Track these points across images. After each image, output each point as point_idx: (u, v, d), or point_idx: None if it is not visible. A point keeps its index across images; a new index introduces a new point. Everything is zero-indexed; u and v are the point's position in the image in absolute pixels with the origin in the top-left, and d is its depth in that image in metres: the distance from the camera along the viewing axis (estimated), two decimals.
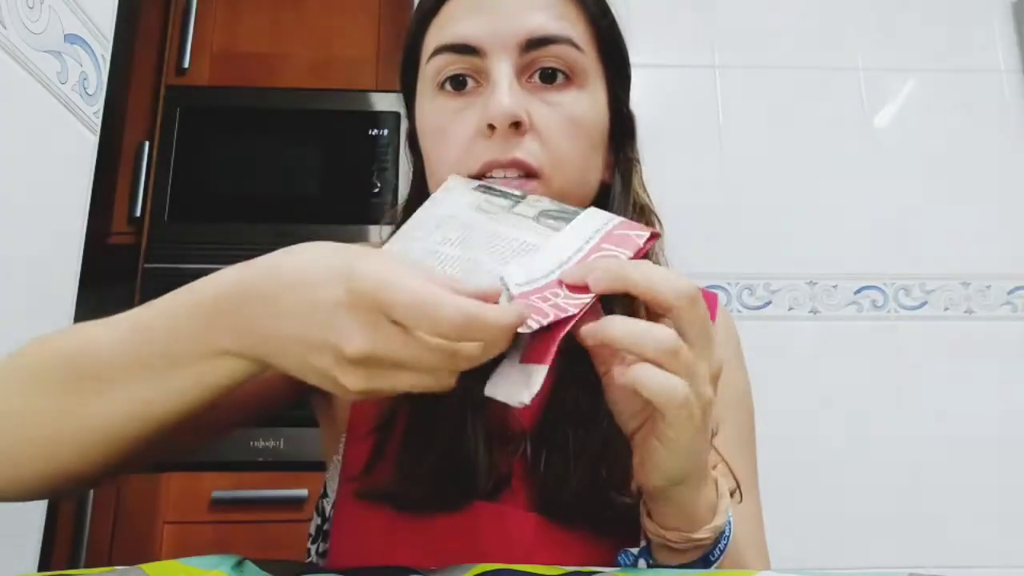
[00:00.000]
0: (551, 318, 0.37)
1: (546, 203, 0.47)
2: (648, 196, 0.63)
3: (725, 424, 0.59)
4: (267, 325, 0.37)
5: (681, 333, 0.38)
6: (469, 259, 0.41)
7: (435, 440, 0.53)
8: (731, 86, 1.60)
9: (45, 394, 0.42)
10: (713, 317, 0.62)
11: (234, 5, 1.73)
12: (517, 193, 0.47)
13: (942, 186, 1.56)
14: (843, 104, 1.60)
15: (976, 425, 1.43)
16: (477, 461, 0.52)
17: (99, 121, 0.80)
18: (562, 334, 0.37)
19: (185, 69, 1.66)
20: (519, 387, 0.37)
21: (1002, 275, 1.51)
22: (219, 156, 1.63)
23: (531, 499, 0.54)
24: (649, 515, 0.45)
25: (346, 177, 1.63)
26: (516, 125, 0.51)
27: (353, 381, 0.35)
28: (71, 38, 0.75)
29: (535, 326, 0.36)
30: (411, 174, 0.65)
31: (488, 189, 0.48)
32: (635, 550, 0.47)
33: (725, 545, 0.44)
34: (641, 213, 0.61)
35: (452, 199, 0.48)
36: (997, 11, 1.66)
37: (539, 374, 0.37)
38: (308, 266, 0.37)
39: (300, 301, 0.36)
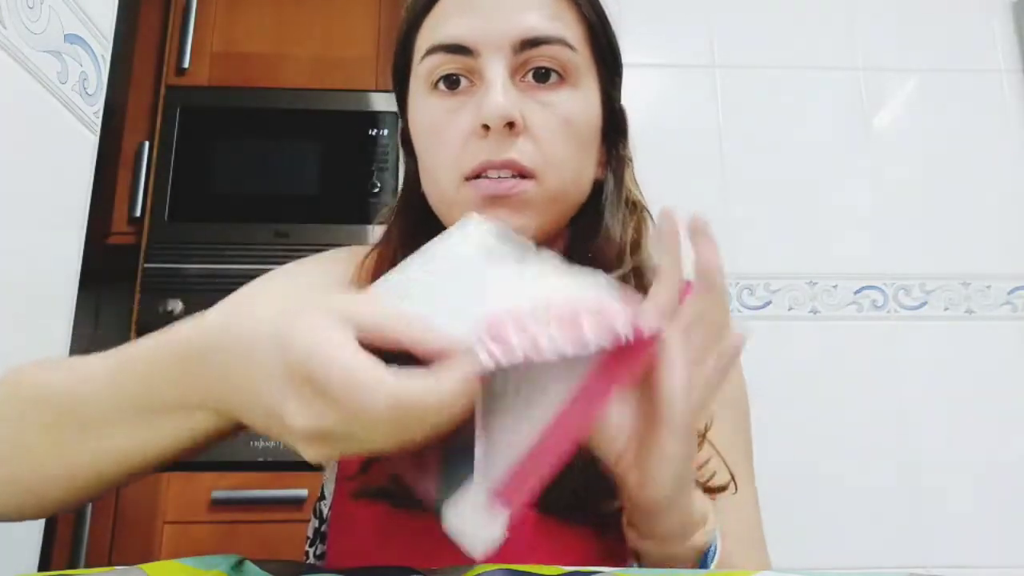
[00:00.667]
0: (516, 353, 0.33)
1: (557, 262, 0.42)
2: (640, 192, 0.63)
3: (721, 421, 0.59)
4: (226, 386, 0.36)
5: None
6: (459, 309, 0.36)
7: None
8: (731, 86, 1.60)
9: (32, 433, 0.42)
10: None
11: (234, 5, 1.73)
12: (524, 243, 0.42)
13: (942, 186, 1.56)
14: (843, 104, 1.60)
15: (976, 425, 1.43)
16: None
17: (99, 121, 0.80)
18: (534, 484, 0.34)
19: (185, 69, 1.66)
20: (476, 529, 0.34)
21: (1002, 275, 1.51)
22: (219, 156, 1.63)
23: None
24: (642, 534, 0.44)
25: (346, 177, 1.63)
26: (510, 125, 0.51)
27: (311, 453, 0.34)
28: (71, 38, 0.75)
29: (488, 360, 0.32)
30: (403, 173, 0.65)
31: (505, 239, 0.42)
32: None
33: (715, 550, 0.44)
34: (633, 209, 0.62)
35: (453, 238, 0.42)
36: (997, 11, 1.66)
37: (498, 523, 0.33)
38: (253, 334, 0.35)
39: (248, 371, 0.35)
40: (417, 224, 0.60)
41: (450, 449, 0.36)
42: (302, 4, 1.74)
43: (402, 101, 0.61)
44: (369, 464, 0.55)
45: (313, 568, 0.52)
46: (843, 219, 1.53)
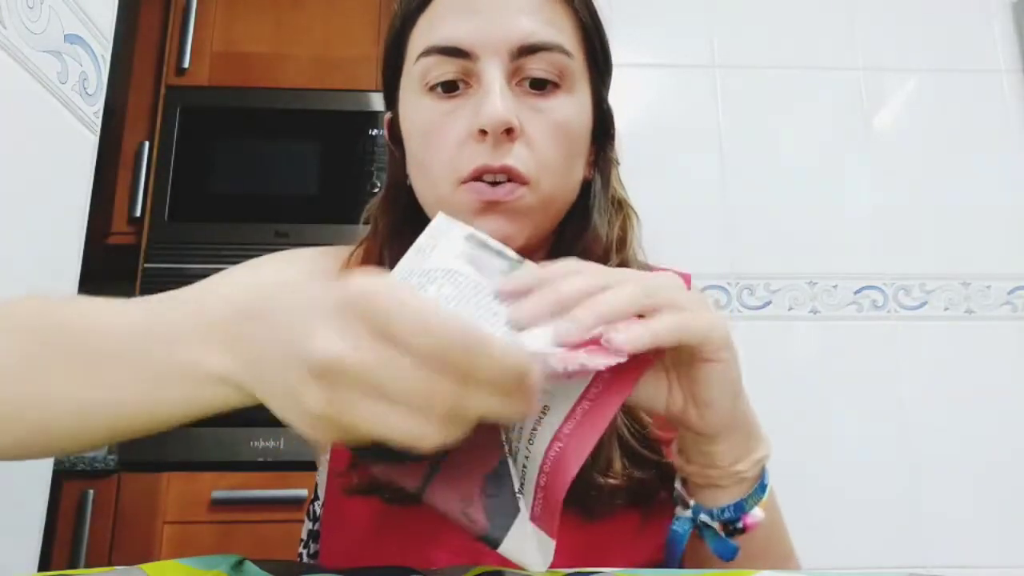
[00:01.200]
0: (584, 362, 0.34)
1: None
2: (624, 191, 0.64)
3: None
4: (256, 344, 0.34)
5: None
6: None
7: None
8: (731, 86, 1.60)
9: (45, 371, 0.40)
10: None
11: (234, 5, 1.73)
12: (514, 257, 0.41)
13: (942, 186, 1.56)
14: (843, 104, 1.60)
15: (976, 425, 1.43)
16: None
17: (99, 121, 0.80)
18: (562, 495, 0.35)
19: (185, 69, 1.66)
20: (533, 553, 0.35)
21: (1002, 275, 1.51)
22: (219, 156, 1.63)
23: None
24: (710, 463, 0.45)
25: (346, 177, 1.64)
26: (508, 131, 0.52)
27: (312, 399, 0.29)
28: (71, 38, 0.75)
29: (561, 367, 0.33)
30: (389, 164, 0.65)
31: (482, 245, 0.41)
32: (687, 513, 0.48)
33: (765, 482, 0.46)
34: (619, 207, 0.62)
35: (441, 250, 0.41)
36: (997, 11, 1.66)
37: (549, 546, 0.35)
38: (309, 287, 0.33)
39: (290, 311, 0.32)
40: (404, 217, 0.60)
41: (487, 478, 0.36)
42: (302, 4, 1.74)
43: (391, 93, 0.61)
44: (357, 461, 0.55)
45: (313, 568, 0.52)
46: (843, 219, 1.53)
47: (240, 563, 0.42)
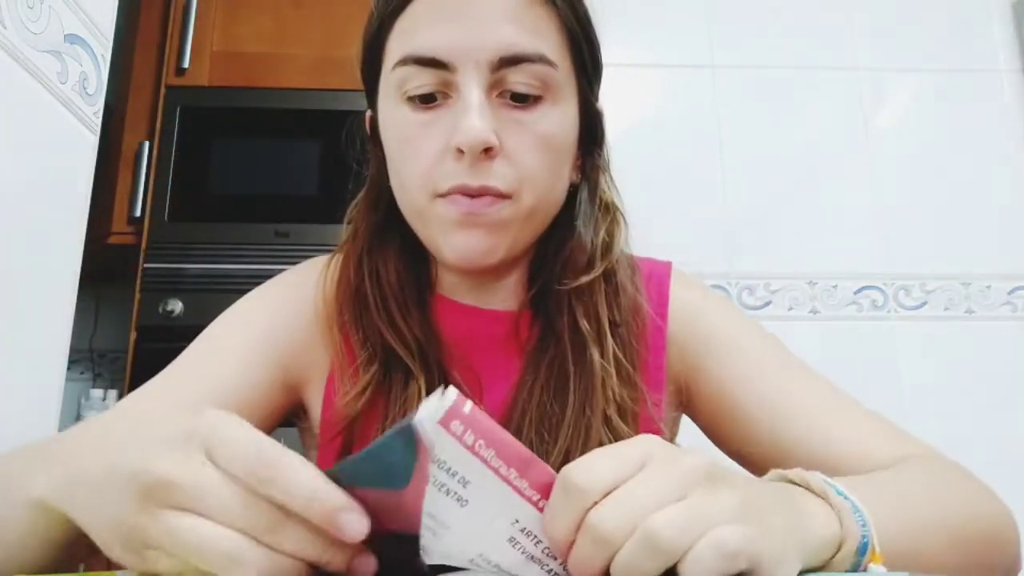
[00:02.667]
0: None
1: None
2: (615, 193, 0.62)
3: (764, 366, 0.58)
4: (82, 462, 0.32)
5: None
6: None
7: None
8: (731, 86, 1.60)
9: None
10: (666, 289, 0.61)
11: (234, 5, 1.73)
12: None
13: (942, 186, 1.56)
14: (843, 104, 1.60)
15: (976, 425, 1.43)
16: None
17: (99, 121, 0.80)
18: None
19: (185, 69, 1.66)
20: None
21: (1002, 275, 1.51)
22: (219, 156, 1.63)
23: None
24: None
25: (346, 177, 1.63)
26: (487, 150, 0.50)
27: (133, 511, 0.28)
28: (71, 38, 0.75)
29: None
30: (371, 164, 0.62)
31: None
32: None
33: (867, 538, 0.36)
34: (607, 211, 0.61)
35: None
36: (997, 11, 1.66)
37: None
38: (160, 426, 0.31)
39: (129, 442, 0.31)
40: (387, 220, 0.59)
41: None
42: (302, 4, 1.74)
43: (371, 92, 0.59)
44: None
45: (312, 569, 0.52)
46: (843, 219, 1.53)
47: None
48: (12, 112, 0.67)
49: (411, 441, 0.28)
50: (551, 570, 0.32)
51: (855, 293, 1.50)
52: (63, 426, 0.65)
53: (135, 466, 0.28)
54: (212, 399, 0.54)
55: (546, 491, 0.30)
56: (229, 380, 0.56)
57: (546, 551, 0.31)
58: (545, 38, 0.52)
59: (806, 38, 1.64)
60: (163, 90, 1.65)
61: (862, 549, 0.36)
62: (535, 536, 0.31)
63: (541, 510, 0.30)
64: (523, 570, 0.32)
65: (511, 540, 0.31)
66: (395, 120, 0.54)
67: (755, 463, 0.56)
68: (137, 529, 0.28)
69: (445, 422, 0.28)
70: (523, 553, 0.31)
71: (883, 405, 0.50)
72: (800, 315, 1.49)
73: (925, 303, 1.50)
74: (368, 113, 0.62)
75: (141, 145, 1.63)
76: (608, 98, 0.61)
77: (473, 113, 0.49)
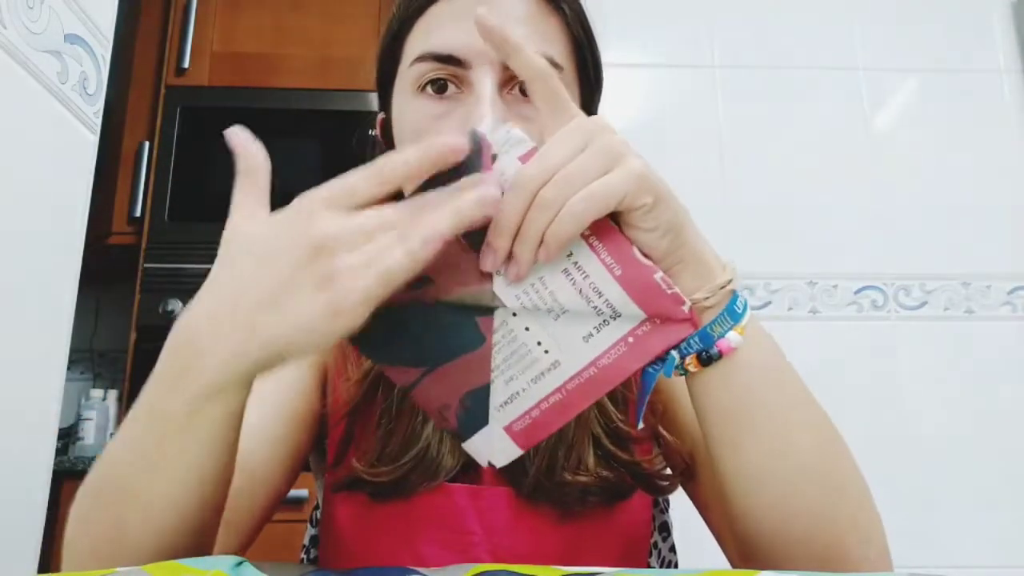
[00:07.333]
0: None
1: None
2: None
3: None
4: (238, 304, 0.37)
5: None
6: None
7: (397, 425, 0.55)
8: (731, 86, 1.60)
9: (102, 521, 0.41)
10: None
11: (234, 5, 1.73)
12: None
13: (942, 186, 1.56)
14: (843, 104, 1.60)
15: (976, 425, 1.43)
16: (441, 444, 0.55)
17: (99, 121, 0.80)
18: (555, 429, 0.40)
19: (185, 69, 1.66)
20: (491, 451, 0.39)
21: (1002, 275, 1.51)
22: (219, 156, 1.63)
23: (498, 480, 0.56)
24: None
25: None
26: None
27: (313, 274, 0.35)
28: (71, 38, 0.75)
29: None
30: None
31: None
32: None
33: (744, 304, 0.46)
34: None
35: None
36: (997, 11, 1.66)
37: (511, 453, 0.39)
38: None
39: (266, 243, 0.39)
40: None
41: (467, 394, 0.40)
42: (302, 4, 1.74)
43: (384, 94, 0.62)
44: (343, 454, 0.57)
45: (313, 569, 0.52)
46: (843, 219, 1.53)
47: (240, 564, 0.42)
48: (12, 112, 0.67)
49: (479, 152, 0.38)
50: (595, 307, 0.39)
51: (855, 293, 1.50)
52: (63, 426, 0.65)
53: (310, 234, 0.37)
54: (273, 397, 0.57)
55: (595, 228, 0.38)
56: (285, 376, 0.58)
57: (593, 286, 0.39)
58: (553, 43, 0.55)
59: (806, 38, 1.64)
60: (163, 90, 1.65)
61: (734, 302, 0.46)
62: (585, 273, 0.39)
63: (593, 248, 0.39)
64: (572, 302, 0.39)
65: (565, 272, 0.39)
66: (409, 113, 0.56)
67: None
68: (325, 290, 0.35)
69: (524, 158, 0.38)
70: (574, 286, 0.39)
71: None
72: (800, 315, 1.49)
73: (925, 303, 1.50)
74: (380, 116, 0.64)
75: (141, 145, 1.64)
76: (608, 98, 0.62)
77: (485, 105, 0.51)
